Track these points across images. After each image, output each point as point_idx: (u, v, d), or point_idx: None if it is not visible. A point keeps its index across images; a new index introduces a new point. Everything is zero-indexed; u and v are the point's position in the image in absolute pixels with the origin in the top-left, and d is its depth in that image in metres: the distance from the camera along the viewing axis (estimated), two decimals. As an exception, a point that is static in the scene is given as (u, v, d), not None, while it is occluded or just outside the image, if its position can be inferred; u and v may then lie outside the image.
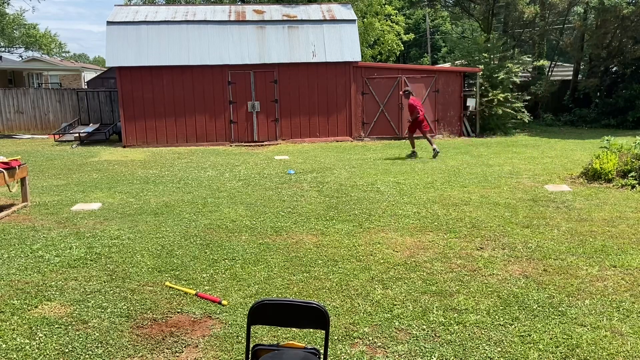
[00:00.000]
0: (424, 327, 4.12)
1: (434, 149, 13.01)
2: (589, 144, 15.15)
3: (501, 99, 18.54)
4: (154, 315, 4.37)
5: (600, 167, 9.51)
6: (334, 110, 17.68)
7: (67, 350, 3.83)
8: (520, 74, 20.16)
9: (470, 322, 4.18)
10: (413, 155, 13.25)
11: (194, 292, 4.80)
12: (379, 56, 30.36)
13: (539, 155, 13.31)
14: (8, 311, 4.47)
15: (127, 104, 16.86)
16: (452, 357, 3.69)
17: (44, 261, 5.72)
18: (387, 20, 29.68)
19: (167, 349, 3.86)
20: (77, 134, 18.52)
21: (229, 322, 4.22)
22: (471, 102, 18.47)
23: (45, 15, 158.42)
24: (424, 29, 44.89)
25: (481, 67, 19.07)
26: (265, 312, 2.59)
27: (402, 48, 32.31)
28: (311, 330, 3.92)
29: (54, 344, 3.92)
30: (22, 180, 8.41)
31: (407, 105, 13.38)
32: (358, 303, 4.56)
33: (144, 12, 18.11)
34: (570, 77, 23.63)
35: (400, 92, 14.35)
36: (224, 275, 5.24)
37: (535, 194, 8.66)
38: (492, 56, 19.57)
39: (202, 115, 17.17)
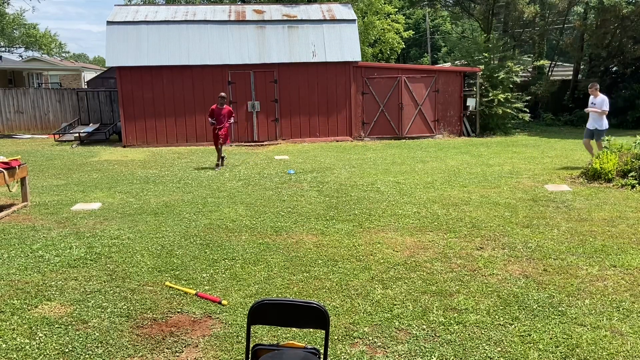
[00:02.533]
0: (424, 327, 4.12)
1: (218, 163, 12.24)
2: (589, 143, 15.14)
3: (501, 99, 18.55)
4: (154, 315, 4.37)
5: (600, 167, 9.51)
6: (334, 110, 17.69)
7: (67, 350, 3.83)
8: (520, 73, 20.17)
9: (470, 322, 4.18)
10: (221, 164, 12.29)
11: (194, 292, 4.80)
12: (379, 54, 30.37)
13: (539, 155, 13.31)
14: (8, 311, 4.47)
15: (127, 104, 16.86)
16: (452, 357, 3.69)
17: (44, 261, 5.72)
18: (387, 19, 29.69)
19: (167, 349, 3.86)
20: (77, 134, 18.52)
21: (229, 322, 4.22)
22: (471, 102, 18.47)
23: (45, 15, 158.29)
24: (424, 29, 44.90)
25: (481, 67, 19.07)
26: (265, 312, 2.59)
27: (403, 45, 32.27)
28: (311, 330, 3.92)
29: (54, 344, 3.92)
30: (22, 180, 8.40)
31: (227, 111, 12.13)
32: (358, 303, 4.56)
33: (144, 12, 18.11)
34: (570, 77, 23.64)
35: (220, 95, 12.27)
36: (224, 275, 5.24)
37: (535, 194, 8.66)
38: (492, 56, 19.57)
39: (202, 115, 17.14)
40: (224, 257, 5.80)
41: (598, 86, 11.27)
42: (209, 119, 12.32)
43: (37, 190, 9.64)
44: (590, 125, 11.20)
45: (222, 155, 12.33)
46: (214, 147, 17.03)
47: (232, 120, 12.57)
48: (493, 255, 5.73)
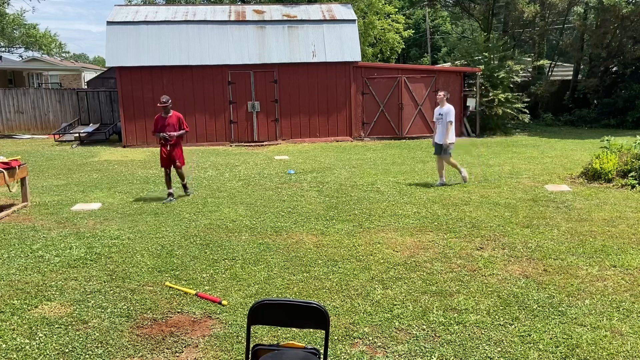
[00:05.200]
0: (424, 327, 4.12)
1: (185, 184, 9.31)
2: (589, 144, 15.15)
3: (502, 99, 18.55)
4: (154, 315, 4.37)
5: (600, 167, 9.51)
6: (334, 110, 17.68)
7: (67, 350, 3.83)
8: (520, 73, 20.17)
9: (470, 322, 4.17)
10: (171, 196, 8.84)
11: (194, 292, 4.80)
12: (380, 54, 30.39)
13: (539, 155, 13.31)
14: (8, 311, 4.47)
15: (127, 104, 16.87)
16: (452, 357, 3.69)
17: (44, 261, 5.72)
18: (387, 19, 29.71)
19: (167, 349, 3.86)
20: (77, 134, 18.51)
21: (229, 322, 4.22)
22: (471, 102, 18.47)
23: (43, 15, 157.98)
24: (424, 29, 44.89)
25: (481, 67, 19.06)
26: (265, 312, 2.59)
27: (403, 46, 32.29)
28: (311, 330, 3.92)
29: (54, 344, 3.91)
30: (22, 180, 8.40)
31: (175, 120, 8.80)
32: (358, 303, 4.56)
33: (144, 12, 18.11)
34: (570, 77, 23.64)
35: (161, 103, 8.68)
36: (224, 275, 5.24)
37: (535, 194, 8.66)
38: (492, 56, 19.57)
39: (202, 115, 17.17)
40: (224, 257, 5.80)
41: (448, 95, 9.89)
42: (157, 137, 8.98)
43: (37, 190, 9.63)
44: (437, 139, 9.70)
45: (181, 184, 9.32)
46: (215, 147, 17.11)
47: (182, 131, 8.95)
48: (493, 255, 5.73)
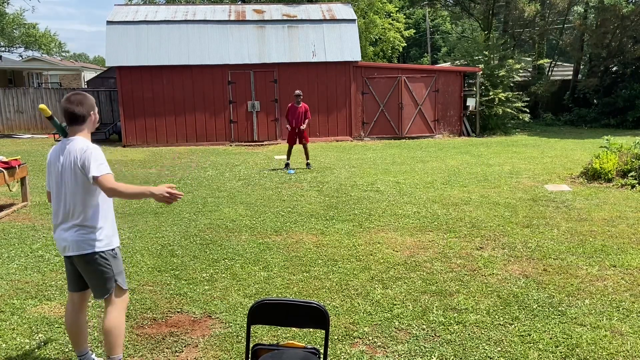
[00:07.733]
0: (424, 326, 4.12)
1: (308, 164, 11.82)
2: (588, 143, 15.15)
3: (502, 97, 18.55)
4: (154, 315, 4.37)
5: (600, 167, 9.51)
6: (334, 110, 17.69)
7: (67, 350, 3.83)
8: (520, 72, 20.16)
9: (470, 321, 4.17)
10: (287, 167, 11.70)
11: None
12: (381, 53, 30.40)
13: (539, 155, 13.31)
14: (8, 311, 4.47)
15: (127, 104, 16.86)
16: (452, 357, 3.69)
17: (44, 261, 5.72)
18: (388, 18, 29.72)
19: (167, 348, 3.86)
20: (77, 134, 18.48)
21: (229, 322, 4.22)
22: (471, 102, 18.48)
23: (36, 15, 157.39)
24: (424, 29, 44.89)
25: (481, 66, 19.06)
26: (265, 312, 2.59)
27: (405, 44, 32.27)
28: (311, 330, 3.92)
29: (54, 344, 3.91)
30: (22, 179, 8.40)
31: (303, 109, 11.64)
32: (358, 303, 4.56)
33: (144, 12, 18.11)
34: (570, 77, 23.65)
35: (296, 95, 11.68)
36: (224, 275, 5.24)
37: (535, 194, 8.66)
38: (492, 55, 19.58)
39: (202, 114, 17.17)
40: (224, 257, 5.80)
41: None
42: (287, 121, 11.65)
43: (37, 190, 9.63)
44: None
45: None
46: (215, 147, 17.13)
47: (307, 120, 11.59)
48: (493, 255, 5.73)
